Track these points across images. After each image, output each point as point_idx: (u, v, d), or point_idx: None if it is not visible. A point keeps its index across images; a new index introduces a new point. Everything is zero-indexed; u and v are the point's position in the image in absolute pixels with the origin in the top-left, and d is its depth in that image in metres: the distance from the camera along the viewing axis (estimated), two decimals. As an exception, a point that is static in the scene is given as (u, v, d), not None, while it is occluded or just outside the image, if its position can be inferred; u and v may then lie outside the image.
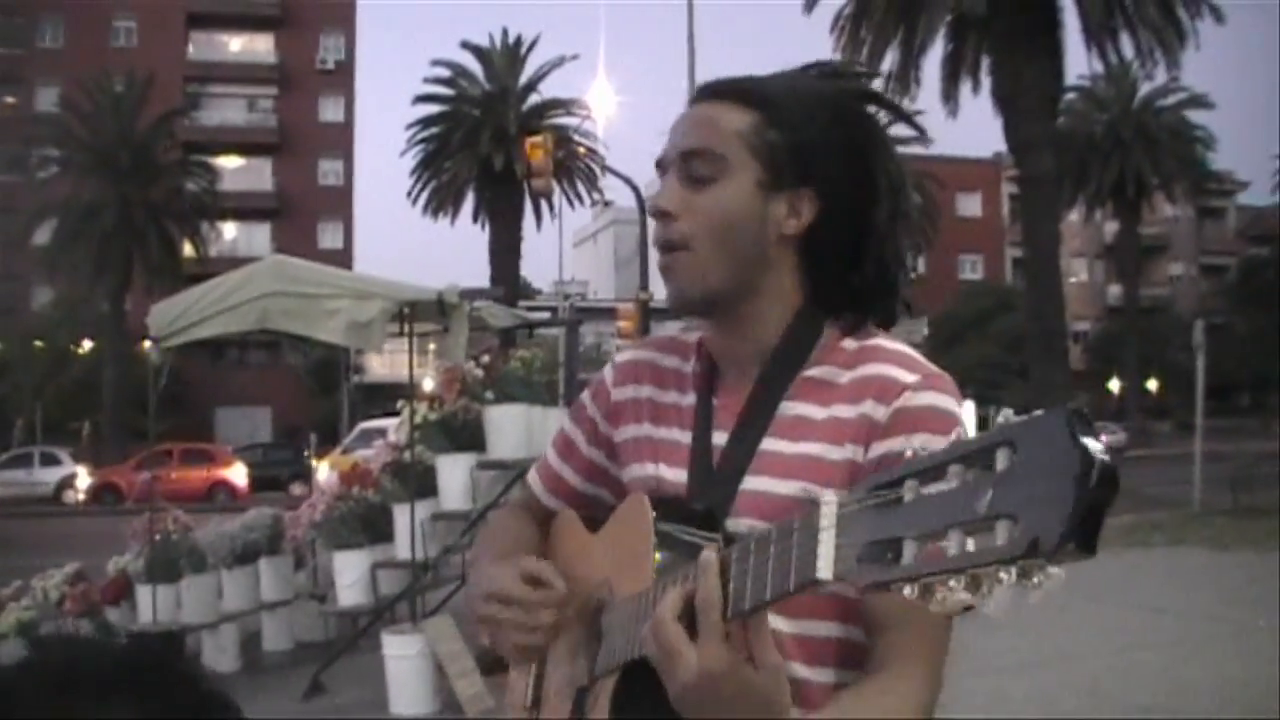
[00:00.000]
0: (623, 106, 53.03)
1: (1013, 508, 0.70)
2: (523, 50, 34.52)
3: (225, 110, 47.66)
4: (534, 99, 34.04)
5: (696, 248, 1.21)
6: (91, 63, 38.01)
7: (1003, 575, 0.70)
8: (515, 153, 27.50)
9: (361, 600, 6.96)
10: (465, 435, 6.82)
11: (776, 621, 1.09)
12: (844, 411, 1.19)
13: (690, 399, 1.30)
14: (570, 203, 34.73)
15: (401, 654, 5.99)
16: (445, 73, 34.21)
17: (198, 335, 6.95)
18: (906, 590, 0.76)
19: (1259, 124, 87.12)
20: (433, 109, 34.02)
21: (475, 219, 33.65)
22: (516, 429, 6.63)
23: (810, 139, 1.20)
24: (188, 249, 36.53)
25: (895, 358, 1.21)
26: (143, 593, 7.29)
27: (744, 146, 1.20)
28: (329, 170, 48.69)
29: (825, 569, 0.84)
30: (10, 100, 42.54)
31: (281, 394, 42.52)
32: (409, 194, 34.10)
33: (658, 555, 1.11)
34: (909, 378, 1.18)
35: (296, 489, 26.53)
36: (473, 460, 6.74)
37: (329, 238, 46.86)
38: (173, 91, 40.04)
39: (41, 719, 0.67)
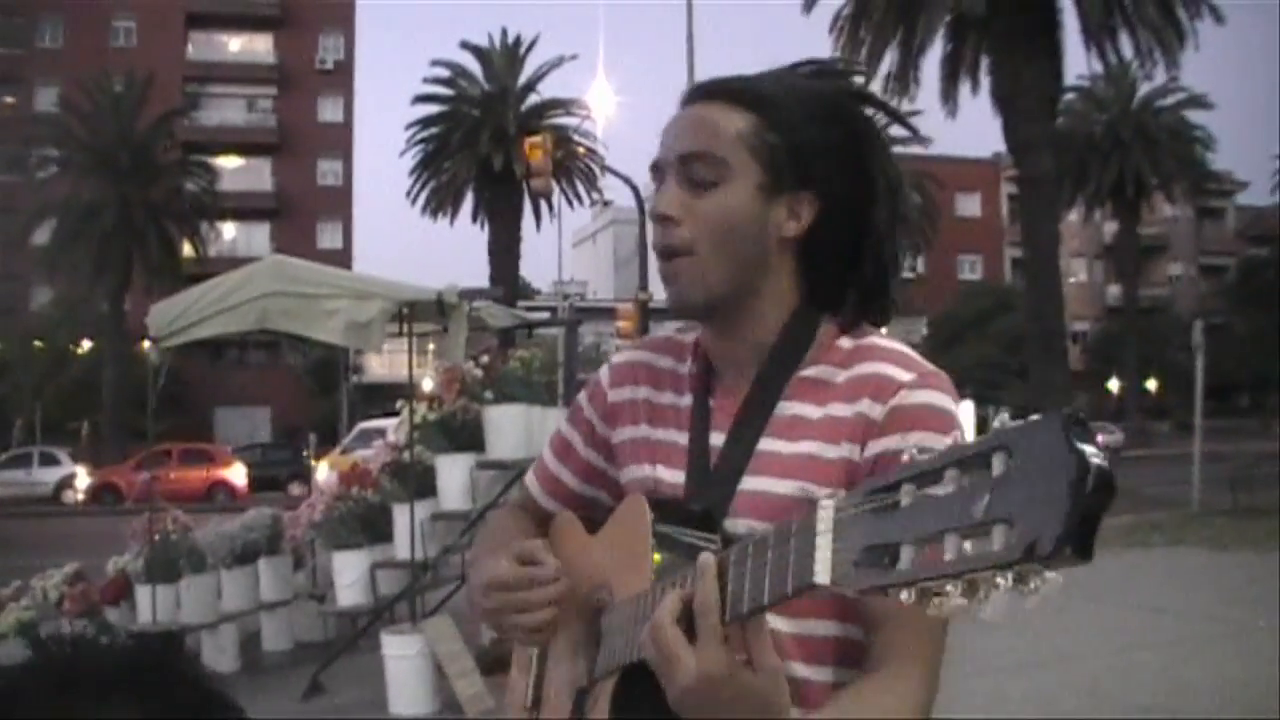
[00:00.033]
0: (622, 106, 52.91)
1: (1009, 513, 0.70)
2: (522, 50, 34.54)
3: (225, 110, 47.65)
4: (533, 99, 34.07)
5: (699, 252, 1.21)
6: (91, 63, 38.02)
7: (999, 580, 0.70)
8: (514, 153, 27.49)
9: (361, 600, 6.96)
10: (464, 435, 6.82)
11: (776, 621, 1.10)
12: (841, 410, 1.19)
13: (687, 400, 1.30)
14: (569, 203, 34.82)
15: (401, 654, 5.99)
16: (444, 73, 34.23)
17: (197, 335, 6.95)
18: (904, 595, 0.76)
19: (1259, 124, 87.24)
20: (432, 109, 34.04)
21: (474, 219, 33.69)
22: (516, 429, 6.63)
23: (810, 141, 1.20)
24: (187, 249, 36.53)
25: (891, 356, 1.21)
26: (142, 593, 7.28)
27: (744, 149, 1.19)
28: (328, 170, 48.68)
29: (822, 573, 0.84)
30: (10, 100, 42.49)
31: (281, 394, 42.49)
32: (408, 194, 34.18)
33: (657, 556, 1.11)
34: (905, 376, 1.18)
35: (296, 489, 26.51)
36: (472, 460, 6.75)
37: (328, 238, 46.85)
38: (172, 91, 40.02)
39: (42, 719, 0.67)
